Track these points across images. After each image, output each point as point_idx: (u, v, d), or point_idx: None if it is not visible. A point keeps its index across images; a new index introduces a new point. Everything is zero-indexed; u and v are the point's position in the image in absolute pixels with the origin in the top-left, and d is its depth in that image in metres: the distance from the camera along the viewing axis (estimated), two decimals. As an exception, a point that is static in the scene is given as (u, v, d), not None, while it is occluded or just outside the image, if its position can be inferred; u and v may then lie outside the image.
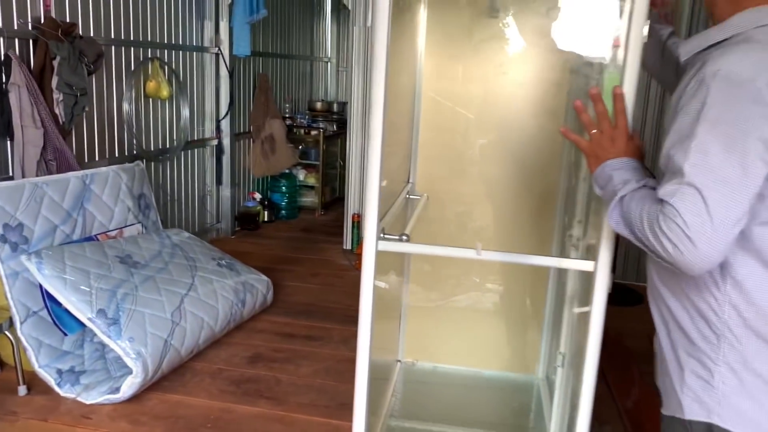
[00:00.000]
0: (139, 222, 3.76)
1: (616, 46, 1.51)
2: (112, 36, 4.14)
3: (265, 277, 3.94)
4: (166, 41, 4.72)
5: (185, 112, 4.91)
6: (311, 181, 6.72)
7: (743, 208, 1.09)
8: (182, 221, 5.09)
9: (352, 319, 1.85)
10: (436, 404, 2.80)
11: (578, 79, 2.37)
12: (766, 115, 1.08)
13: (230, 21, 5.26)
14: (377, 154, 1.60)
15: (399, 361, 3.03)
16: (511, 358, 2.98)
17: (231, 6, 5.24)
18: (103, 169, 3.59)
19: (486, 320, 2.97)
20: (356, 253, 4.95)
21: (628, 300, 4.21)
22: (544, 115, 2.64)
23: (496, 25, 2.60)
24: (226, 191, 5.62)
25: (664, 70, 1.65)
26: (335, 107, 7.24)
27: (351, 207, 5.39)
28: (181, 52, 4.92)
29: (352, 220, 5.36)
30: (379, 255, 1.72)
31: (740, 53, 1.14)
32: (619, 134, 1.35)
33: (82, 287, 2.85)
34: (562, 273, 2.56)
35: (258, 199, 6.07)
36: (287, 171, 6.45)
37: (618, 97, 1.40)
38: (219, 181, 5.57)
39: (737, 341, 1.19)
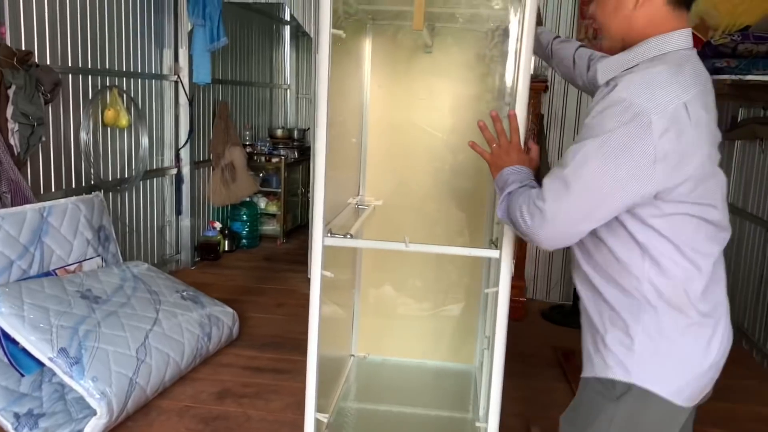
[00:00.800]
0: (98, 255, 3.64)
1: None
2: (69, 64, 4.03)
3: (230, 309, 3.84)
4: (124, 69, 4.62)
5: (144, 141, 4.80)
6: (273, 209, 6.65)
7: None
8: (141, 253, 4.95)
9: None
10: (382, 390, 3.12)
11: (494, 102, 2.85)
12: (646, 148, 1.25)
13: (190, 48, 5.19)
14: (321, 160, 2.07)
15: (352, 355, 3.36)
16: (452, 349, 3.30)
17: (191, 34, 5.18)
18: (62, 201, 3.46)
19: (430, 314, 3.31)
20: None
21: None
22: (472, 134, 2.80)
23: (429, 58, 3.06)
24: (185, 221, 5.50)
25: (578, 79, 1.95)
26: (296, 134, 7.20)
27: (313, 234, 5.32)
28: (140, 80, 4.82)
29: (316, 248, 5.29)
30: (328, 251, 2.13)
31: (643, 84, 1.28)
32: (514, 147, 1.63)
33: (41, 325, 2.73)
34: (494, 266, 2.77)
35: (218, 229, 5.96)
36: (248, 199, 6.36)
37: (512, 117, 1.73)
38: (178, 211, 5.45)
39: (654, 312, 1.39)
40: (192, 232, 5.55)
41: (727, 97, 3.78)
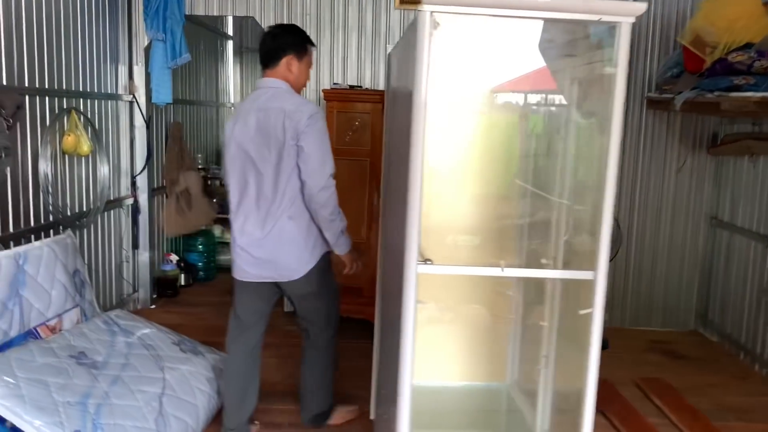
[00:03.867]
0: (76, 305, 3.13)
1: None
2: (26, 84, 3.48)
3: (231, 359, 3.40)
4: (81, 89, 4.08)
5: (104, 169, 4.26)
6: (230, 237, 6.15)
7: None
8: (99, 293, 4.38)
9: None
10: (419, 415, 2.73)
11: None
12: None
13: (147, 66, 4.70)
14: (417, 182, 1.68)
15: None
16: (482, 368, 2.98)
17: (147, 49, 4.68)
18: (36, 244, 2.95)
19: (457, 335, 2.97)
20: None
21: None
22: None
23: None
24: (143, 255, 4.96)
25: None
26: (246, 156, 6.74)
27: (291, 266, 4.93)
28: (96, 101, 4.29)
29: (294, 280, 4.89)
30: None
31: None
32: None
33: (45, 405, 2.24)
34: (528, 285, 2.61)
35: (175, 261, 5.43)
36: (203, 228, 5.85)
37: None
38: (135, 245, 4.90)
39: None
40: (150, 267, 5.01)
41: (751, 114, 3.77)
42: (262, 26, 4.68)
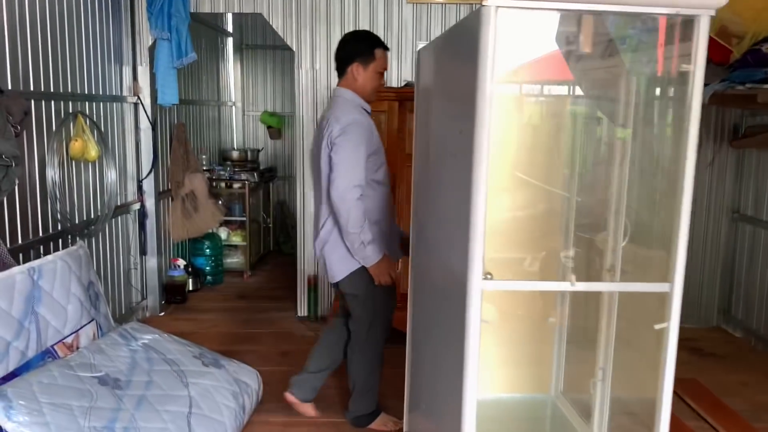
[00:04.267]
0: (92, 319, 2.99)
1: None
2: (32, 88, 3.33)
3: (253, 370, 3.29)
4: (86, 92, 3.93)
5: (112, 175, 4.11)
6: (236, 239, 6.02)
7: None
8: (107, 304, 4.23)
9: None
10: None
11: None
12: None
13: (152, 66, 4.54)
14: (481, 200, 1.54)
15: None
16: (525, 379, 2.88)
17: (152, 49, 4.53)
18: (50, 258, 2.81)
19: (501, 346, 2.82)
20: (329, 320, 4.35)
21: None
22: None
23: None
24: (152, 261, 4.81)
25: None
26: (249, 155, 6.60)
27: (304, 268, 4.81)
28: (101, 104, 4.13)
29: (308, 283, 4.77)
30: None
31: None
32: None
33: (71, 431, 2.10)
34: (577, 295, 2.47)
35: (182, 266, 5.28)
36: (210, 231, 5.71)
37: None
38: (143, 251, 4.76)
39: None
40: (159, 273, 4.87)
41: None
42: (270, 23, 4.54)
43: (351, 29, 4.50)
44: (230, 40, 7.04)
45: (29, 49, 3.28)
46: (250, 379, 3.18)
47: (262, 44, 7.27)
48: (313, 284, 4.74)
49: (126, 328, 3.09)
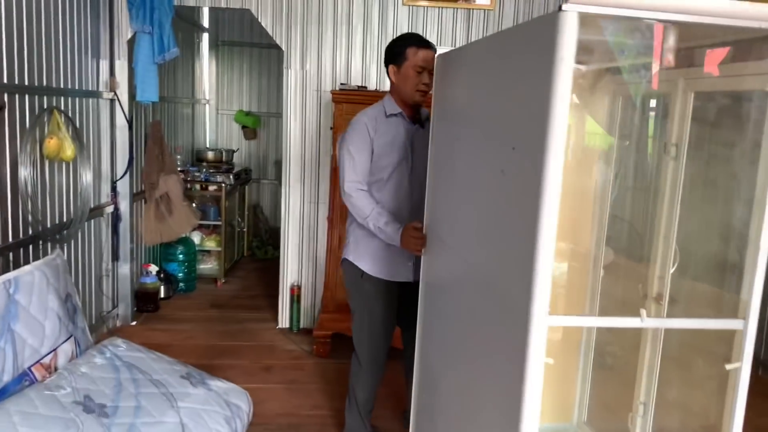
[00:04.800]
0: (70, 335, 2.74)
1: None
2: (5, 80, 3.05)
3: (243, 390, 3.06)
4: (62, 86, 3.65)
5: (87, 175, 3.84)
6: (211, 244, 5.76)
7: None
8: (79, 313, 3.96)
9: None
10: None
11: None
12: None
13: (130, 61, 4.28)
14: (552, 211, 1.36)
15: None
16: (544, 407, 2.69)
17: (131, 43, 4.26)
18: (27, 269, 2.55)
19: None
20: (315, 336, 4.15)
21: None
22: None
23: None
24: (124, 267, 4.54)
25: None
26: (224, 156, 6.34)
27: (287, 276, 4.60)
28: (77, 99, 3.85)
29: (291, 293, 4.56)
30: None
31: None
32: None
33: (59, 469, 1.87)
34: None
35: (154, 273, 5.01)
36: (184, 235, 5.44)
37: None
38: (116, 256, 4.48)
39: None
40: (130, 280, 4.59)
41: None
42: (259, 20, 4.32)
43: (344, 30, 4.33)
44: (206, 36, 6.77)
45: (3, 39, 3.01)
46: (241, 400, 2.96)
47: (239, 41, 7.02)
48: (297, 294, 4.53)
49: (107, 345, 2.84)
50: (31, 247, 3.32)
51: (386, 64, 2.65)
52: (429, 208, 2.43)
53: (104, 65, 4.21)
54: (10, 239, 3.13)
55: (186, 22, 6.06)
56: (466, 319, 1.92)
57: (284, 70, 4.40)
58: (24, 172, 3.19)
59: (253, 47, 7.01)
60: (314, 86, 4.40)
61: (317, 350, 4.10)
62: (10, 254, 3.12)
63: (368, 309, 2.73)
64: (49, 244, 3.43)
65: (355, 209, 2.56)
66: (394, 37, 2.80)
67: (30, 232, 3.31)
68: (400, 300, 2.74)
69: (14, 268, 3.07)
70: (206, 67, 6.84)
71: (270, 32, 4.34)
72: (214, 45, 6.93)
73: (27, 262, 3.28)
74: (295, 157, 4.45)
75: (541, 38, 1.40)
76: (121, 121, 4.36)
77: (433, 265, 2.38)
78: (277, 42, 4.35)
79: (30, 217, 3.27)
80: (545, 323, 1.40)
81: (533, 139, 1.40)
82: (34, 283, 2.54)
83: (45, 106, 3.42)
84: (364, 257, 2.69)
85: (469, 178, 1.93)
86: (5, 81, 3.05)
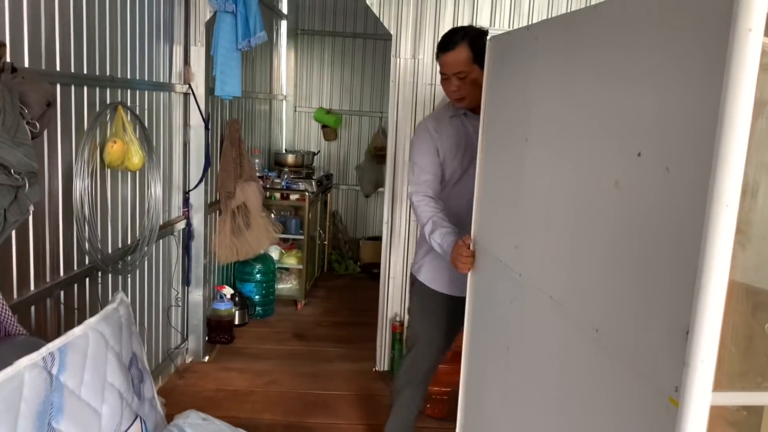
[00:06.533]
0: (135, 415, 1.99)
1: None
2: (58, 68, 2.34)
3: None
4: (128, 76, 2.94)
5: (157, 187, 3.11)
6: (291, 261, 5.02)
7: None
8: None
9: None
10: None
11: None
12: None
13: (209, 47, 3.55)
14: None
15: None
16: None
17: (209, 25, 3.53)
18: (77, 331, 1.81)
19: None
20: (429, 392, 3.32)
21: None
22: None
23: None
24: (196, 293, 3.83)
25: None
26: (304, 159, 5.59)
27: (388, 308, 3.80)
28: (145, 93, 3.14)
29: (392, 329, 3.76)
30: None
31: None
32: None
33: None
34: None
35: (229, 297, 4.28)
36: (262, 252, 4.70)
37: None
38: (187, 281, 3.76)
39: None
40: (204, 307, 3.88)
41: None
42: (369, 6, 3.53)
43: (467, 11, 3.50)
44: (284, 24, 6.03)
45: (56, 17, 2.29)
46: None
47: (320, 29, 6.26)
48: (400, 332, 3.72)
49: (182, 426, 2.09)
50: (87, 281, 2.61)
51: None
52: (478, 222, 2.11)
53: (177, 52, 3.48)
54: (61, 273, 2.42)
55: (264, 6, 5.33)
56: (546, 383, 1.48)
57: (391, 59, 3.59)
58: (80, 185, 2.47)
59: (335, 36, 6.25)
60: (427, 79, 3.58)
61: (431, 410, 3.28)
62: (61, 294, 2.40)
63: (421, 315, 2.56)
64: (109, 277, 2.72)
65: (416, 216, 2.42)
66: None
67: (86, 261, 2.60)
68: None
69: (64, 321, 2.37)
70: (284, 58, 6.11)
71: (376, 12, 3.53)
72: (292, 34, 6.19)
73: (81, 301, 2.57)
74: (401, 164, 3.63)
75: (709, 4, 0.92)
76: (196, 119, 3.63)
77: (485, 290, 2.03)
78: (385, 25, 3.54)
79: (87, 244, 2.56)
80: (707, 402, 0.95)
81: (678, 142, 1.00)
82: (87, 353, 1.80)
83: (107, 101, 2.70)
84: (426, 268, 2.51)
85: (548, 190, 1.54)
86: (58, 69, 2.33)
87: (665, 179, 1.03)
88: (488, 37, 2.02)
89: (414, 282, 2.56)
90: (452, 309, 2.44)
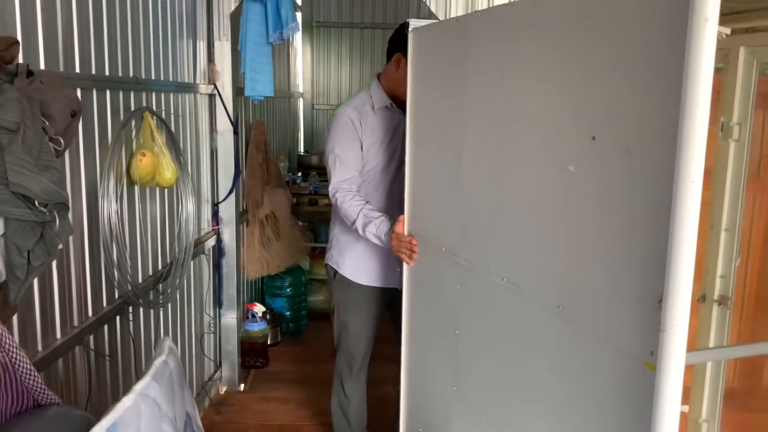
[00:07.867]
0: (192, 492, 1.61)
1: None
2: (77, 69, 1.95)
3: None
4: (153, 77, 2.55)
5: (189, 204, 2.72)
6: (323, 271, 4.62)
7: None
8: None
9: None
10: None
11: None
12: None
13: (235, 42, 3.16)
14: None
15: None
16: None
17: (235, 16, 3.14)
18: (127, 402, 1.43)
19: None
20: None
21: None
22: None
23: None
24: (229, 316, 3.45)
25: None
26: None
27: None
28: (170, 95, 2.75)
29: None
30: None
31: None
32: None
33: None
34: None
35: (260, 315, 3.90)
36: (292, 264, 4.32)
37: None
38: (219, 302, 3.39)
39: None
40: (237, 330, 3.50)
41: None
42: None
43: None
44: (299, 16, 5.62)
45: (73, 13, 1.90)
46: None
47: (337, 21, 5.86)
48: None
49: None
50: (117, 320, 2.22)
51: (392, 52, 2.40)
52: (411, 213, 2.11)
53: (201, 48, 3.09)
54: (89, 313, 2.04)
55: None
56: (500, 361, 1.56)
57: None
58: (107, 208, 2.09)
59: (353, 28, 5.85)
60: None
61: None
62: (91, 339, 2.02)
63: (347, 318, 2.54)
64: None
65: (342, 213, 2.34)
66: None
67: (116, 295, 2.22)
68: (395, 308, 2.44)
69: (95, 372, 1.99)
70: (300, 53, 5.71)
71: (432, 7, 3.14)
72: (308, 27, 5.80)
73: (113, 346, 2.19)
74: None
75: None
76: (223, 123, 3.25)
77: (426, 278, 2.04)
78: (433, 10, 3.16)
79: (116, 274, 2.17)
80: (681, 362, 1.01)
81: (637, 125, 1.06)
82: (140, 426, 1.42)
83: (131, 107, 2.32)
84: (348, 262, 2.47)
85: (493, 176, 1.57)
86: (77, 70, 1.94)
87: (626, 159, 1.08)
88: (409, 29, 2.00)
89: (335, 275, 2.51)
90: (379, 299, 2.49)
